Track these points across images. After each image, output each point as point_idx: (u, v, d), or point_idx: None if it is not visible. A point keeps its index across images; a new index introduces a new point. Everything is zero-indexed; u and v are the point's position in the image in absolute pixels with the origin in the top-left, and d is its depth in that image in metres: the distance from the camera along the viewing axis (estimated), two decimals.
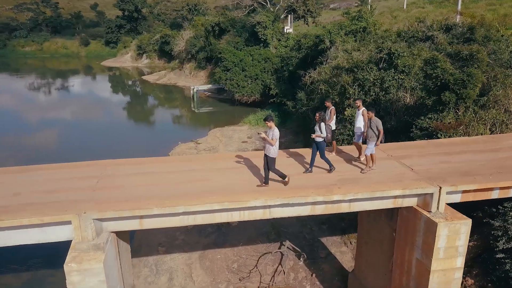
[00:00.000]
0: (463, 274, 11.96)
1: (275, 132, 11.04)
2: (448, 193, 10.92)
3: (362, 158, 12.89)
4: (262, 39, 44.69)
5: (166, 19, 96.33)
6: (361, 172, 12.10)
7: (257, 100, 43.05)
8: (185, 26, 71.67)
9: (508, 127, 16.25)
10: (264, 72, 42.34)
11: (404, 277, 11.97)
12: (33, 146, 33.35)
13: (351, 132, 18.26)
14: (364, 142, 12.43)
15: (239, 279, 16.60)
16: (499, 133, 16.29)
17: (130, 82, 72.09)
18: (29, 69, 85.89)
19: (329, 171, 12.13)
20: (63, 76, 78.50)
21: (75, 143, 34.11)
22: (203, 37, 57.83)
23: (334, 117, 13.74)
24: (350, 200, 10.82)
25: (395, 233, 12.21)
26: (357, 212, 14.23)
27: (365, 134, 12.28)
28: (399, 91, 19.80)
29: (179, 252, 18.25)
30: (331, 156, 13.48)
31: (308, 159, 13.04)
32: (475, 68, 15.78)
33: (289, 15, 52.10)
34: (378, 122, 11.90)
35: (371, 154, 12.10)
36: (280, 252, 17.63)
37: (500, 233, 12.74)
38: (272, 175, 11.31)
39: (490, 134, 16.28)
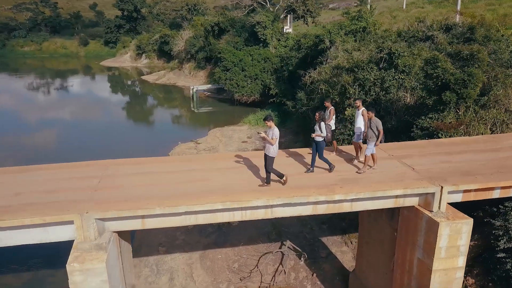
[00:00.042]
0: (464, 273, 11.97)
1: (275, 132, 11.05)
2: (449, 192, 10.94)
3: (362, 159, 12.89)
4: (261, 39, 44.68)
5: (165, 19, 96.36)
6: (357, 172, 12.11)
7: (256, 100, 43.05)
8: (185, 26, 71.62)
9: (508, 127, 16.27)
10: (264, 72, 42.34)
11: (405, 276, 11.98)
12: (32, 146, 33.31)
13: (351, 132, 18.27)
14: (365, 142, 12.45)
15: (240, 279, 16.60)
16: (500, 132, 16.30)
17: (129, 82, 72.05)
18: (28, 69, 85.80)
19: (330, 170, 12.13)
20: (62, 76, 78.41)
21: (74, 143, 34.07)
22: (202, 37, 57.82)
23: (334, 117, 13.76)
24: (352, 200, 10.84)
25: (396, 233, 12.21)
26: (357, 212, 14.28)
27: (365, 134, 12.29)
28: (399, 91, 19.82)
29: (180, 252, 18.24)
30: (332, 156, 13.49)
31: (308, 158, 13.05)
32: (476, 68, 15.81)
33: (289, 15, 52.09)
34: (378, 123, 11.91)
35: (371, 154, 12.12)
36: (281, 251, 17.63)
37: (501, 233, 12.76)
38: (272, 175, 11.31)
39: (491, 133, 16.30)
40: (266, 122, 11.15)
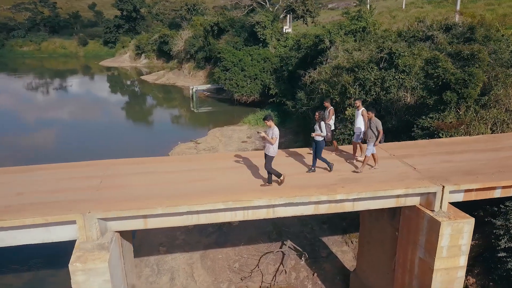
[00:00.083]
0: (465, 273, 11.99)
1: (275, 131, 11.06)
2: (450, 192, 10.96)
3: (361, 158, 12.91)
4: (261, 39, 44.67)
5: (164, 19, 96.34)
6: (353, 171, 12.13)
7: (256, 100, 43.04)
8: (184, 26, 71.55)
9: (509, 127, 16.30)
10: (263, 72, 42.34)
11: (406, 276, 12.00)
12: (32, 146, 33.25)
13: (351, 132, 18.29)
14: (364, 142, 12.46)
15: (241, 279, 16.60)
16: (500, 132, 16.33)
17: (128, 82, 71.97)
18: (27, 69, 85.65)
19: (329, 170, 12.15)
20: (61, 76, 78.30)
21: (73, 143, 34.01)
22: (202, 37, 57.80)
23: (333, 117, 13.78)
24: (354, 199, 10.85)
25: (398, 232, 12.23)
26: (358, 211, 14.31)
27: (365, 134, 12.31)
28: (399, 91, 19.85)
29: (180, 252, 18.23)
30: (332, 155, 13.51)
31: (308, 158, 13.06)
32: (476, 67, 15.84)
33: (288, 15, 52.09)
34: (378, 123, 11.93)
35: (372, 154, 12.14)
36: (282, 251, 17.64)
37: (501, 232, 12.79)
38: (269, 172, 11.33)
39: (491, 133, 16.33)
40: (266, 121, 11.17)
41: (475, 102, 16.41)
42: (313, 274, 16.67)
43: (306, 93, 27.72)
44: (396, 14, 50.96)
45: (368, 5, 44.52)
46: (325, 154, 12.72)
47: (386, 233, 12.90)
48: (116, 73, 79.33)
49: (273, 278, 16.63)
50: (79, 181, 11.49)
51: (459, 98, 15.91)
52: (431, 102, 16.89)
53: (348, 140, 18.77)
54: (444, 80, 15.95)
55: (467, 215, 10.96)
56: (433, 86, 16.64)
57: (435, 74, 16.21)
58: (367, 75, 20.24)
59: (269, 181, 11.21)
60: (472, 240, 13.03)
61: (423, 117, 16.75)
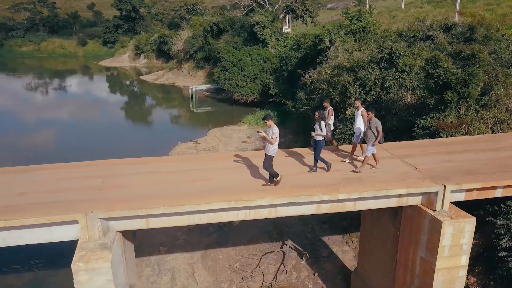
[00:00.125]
0: None
1: (275, 131, 11.06)
2: (452, 191, 10.98)
3: (361, 158, 12.93)
4: (260, 39, 44.65)
5: (164, 19, 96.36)
6: (353, 171, 12.15)
7: (256, 100, 43.05)
8: (183, 26, 71.53)
9: (509, 126, 16.33)
10: (263, 72, 42.35)
11: (408, 275, 12.02)
12: (31, 146, 33.22)
13: (352, 132, 18.30)
14: (364, 142, 12.48)
15: (242, 279, 16.61)
16: (501, 132, 16.36)
17: (128, 82, 71.90)
18: (26, 69, 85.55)
19: (327, 170, 12.15)
20: (61, 76, 78.23)
21: (73, 143, 33.97)
22: (201, 37, 57.80)
23: (332, 117, 13.80)
24: (356, 199, 10.87)
25: (399, 232, 12.25)
26: (359, 211, 14.33)
27: (365, 134, 12.33)
28: (400, 91, 19.87)
29: (181, 252, 18.24)
30: (332, 155, 13.54)
31: (308, 158, 13.06)
32: (477, 67, 15.86)
33: (288, 15, 52.10)
34: (377, 123, 11.94)
35: (372, 154, 12.15)
36: (282, 251, 17.66)
37: (502, 232, 12.82)
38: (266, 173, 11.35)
39: (492, 133, 16.36)
40: (266, 121, 11.17)
41: (476, 102, 16.43)
42: (314, 274, 16.69)
43: (306, 93, 27.73)
44: (396, 14, 51.03)
45: (368, 5, 44.45)
46: (325, 154, 12.73)
47: (388, 233, 12.91)
48: (115, 73, 79.26)
49: (274, 277, 16.65)
50: (81, 181, 11.49)
51: (460, 98, 15.94)
52: (432, 102, 16.91)
53: (349, 140, 18.79)
54: (444, 80, 15.97)
55: (469, 214, 10.99)
56: (434, 86, 16.66)
57: (436, 74, 16.23)
58: (367, 75, 20.26)
59: (270, 180, 11.21)
60: (472, 240, 13.08)
61: (424, 117, 16.78)
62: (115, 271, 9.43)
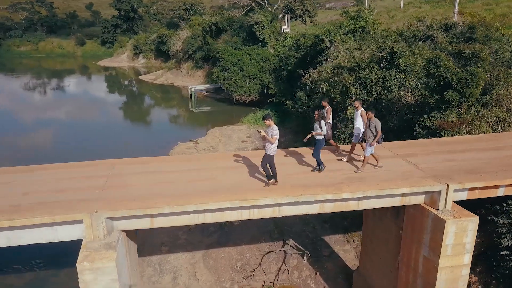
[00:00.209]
0: None
1: (275, 130, 11.07)
2: (455, 190, 11.01)
3: (361, 158, 12.97)
4: (260, 39, 44.68)
5: (162, 19, 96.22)
6: (355, 171, 12.17)
7: (255, 100, 43.10)
8: (182, 26, 71.48)
9: (510, 126, 16.38)
10: (262, 71, 42.38)
11: (411, 274, 12.05)
12: (31, 147, 33.22)
13: (353, 131, 18.34)
14: (365, 141, 12.51)
15: (244, 278, 16.64)
16: (501, 131, 16.40)
17: (126, 82, 71.81)
18: (24, 69, 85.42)
19: (319, 170, 12.15)
20: (59, 76, 78.13)
21: (72, 143, 33.93)
22: (200, 37, 57.81)
23: (331, 116, 13.82)
24: (359, 198, 10.90)
25: (402, 231, 12.28)
26: (360, 210, 14.36)
27: (365, 134, 12.36)
28: (400, 90, 19.92)
29: (182, 252, 18.26)
30: (332, 155, 13.58)
31: (307, 157, 13.07)
32: (478, 67, 15.90)
33: (287, 15, 52.13)
34: (377, 123, 11.97)
35: (371, 154, 12.18)
36: (284, 250, 17.69)
37: (504, 230, 12.87)
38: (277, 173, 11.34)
39: (493, 132, 16.41)
40: (265, 121, 11.18)
41: (477, 101, 16.48)
42: (316, 273, 16.73)
43: (305, 93, 27.77)
44: (394, 14, 51.12)
45: (368, 5, 44.53)
46: (325, 153, 12.78)
47: (390, 232, 12.95)
48: (114, 73, 79.17)
49: (275, 277, 16.68)
50: (84, 180, 11.49)
51: (461, 97, 15.97)
52: (433, 101, 16.95)
53: (349, 139, 18.83)
54: (446, 80, 16.01)
55: (471, 213, 11.02)
56: (435, 85, 16.70)
57: (437, 74, 16.27)
58: (368, 74, 20.30)
59: (274, 179, 11.21)
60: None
61: (425, 116, 16.81)
62: (120, 270, 9.43)
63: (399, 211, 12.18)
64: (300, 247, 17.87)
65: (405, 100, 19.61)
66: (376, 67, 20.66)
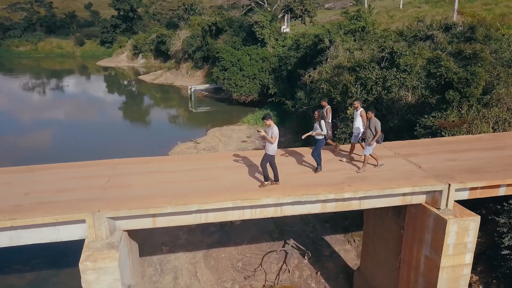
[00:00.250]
0: None
1: (274, 130, 11.08)
2: (456, 190, 11.03)
3: (361, 158, 12.99)
4: (259, 39, 44.68)
5: (162, 19, 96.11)
6: (356, 171, 12.18)
7: (255, 100, 43.11)
8: (181, 26, 71.49)
9: (511, 125, 16.42)
10: (262, 71, 42.40)
11: (412, 274, 12.06)
12: (30, 147, 33.15)
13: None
14: (364, 141, 12.54)
15: (244, 278, 16.64)
16: (502, 131, 16.44)
17: (126, 82, 71.76)
18: (23, 69, 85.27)
19: (315, 170, 12.17)
20: (58, 76, 78.03)
21: (72, 143, 33.86)
22: (200, 37, 57.80)
23: (330, 115, 13.84)
24: (361, 198, 10.91)
25: (403, 230, 12.29)
26: (361, 210, 14.37)
27: (364, 134, 12.38)
28: (401, 90, 19.94)
29: (183, 252, 18.26)
30: (332, 155, 13.60)
31: (307, 157, 13.08)
32: (479, 67, 15.92)
33: (286, 15, 52.15)
34: (377, 123, 12.00)
35: (370, 154, 12.20)
36: (284, 250, 17.70)
37: (505, 230, 12.91)
38: (279, 172, 11.35)
39: (493, 132, 16.44)
40: (265, 121, 11.19)
41: (477, 101, 16.50)
42: (317, 273, 16.74)
43: (305, 93, 27.79)
44: (394, 14, 51.12)
45: (368, 5, 44.54)
46: (324, 153, 12.78)
47: (391, 231, 12.96)
48: (113, 73, 79.10)
49: (276, 276, 16.68)
50: (86, 180, 11.49)
51: (462, 97, 15.99)
52: (433, 101, 16.96)
53: (350, 139, 18.83)
54: (446, 79, 16.03)
55: (473, 212, 11.05)
56: (436, 85, 16.72)
57: (438, 73, 16.29)
58: (368, 74, 20.31)
59: (275, 179, 11.23)
60: None
61: (426, 116, 16.84)
62: (122, 270, 9.44)
63: (401, 211, 12.19)
64: (300, 246, 17.90)
65: (406, 100, 19.64)
66: (377, 67, 20.68)
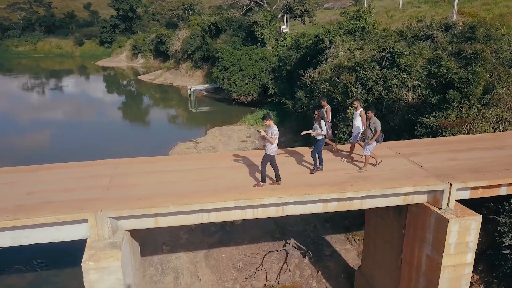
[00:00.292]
0: None
1: (274, 130, 11.09)
2: (458, 189, 11.04)
3: (361, 158, 13.02)
4: (259, 39, 44.69)
5: (161, 19, 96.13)
6: (358, 171, 12.20)
7: (254, 100, 43.11)
8: (181, 26, 71.47)
9: (511, 125, 16.44)
10: (262, 71, 42.40)
11: (413, 273, 12.08)
12: (30, 147, 33.13)
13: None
14: (363, 140, 12.56)
15: (245, 278, 16.65)
16: (502, 131, 16.47)
17: (125, 82, 71.70)
18: (22, 69, 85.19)
19: (312, 170, 12.18)
20: (57, 76, 77.98)
21: (71, 144, 33.83)
22: (199, 37, 57.80)
23: (330, 115, 13.85)
24: (362, 197, 10.92)
25: (404, 230, 12.31)
26: (362, 210, 14.38)
27: (364, 133, 12.40)
28: (401, 90, 19.96)
29: (184, 251, 18.26)
30: (332, 155, 13.62)
31: (308, 157, 13.10)
32: (479, 66, 15.95)
33: (286, 15, 52.18)
34: (377, 123, 12.02)
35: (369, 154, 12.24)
36: (285, 250, 17.71)
37: (506, 229, 12.95)
38: (280, 171, 11.36)
39: (493, 132, 16.47)
40: (265, 121, 11.20)
41: (478, 100, 16.54)
42: (317, 273, 16.75)
43: (305, 93, 27.79)
44: (393, 13, 51.23)
45: (367, 5, 44.59)
46: (324, 153, 12.79)
47: (392, 231, 12.98)
48: (113, 73, 79.05)
49: (277, 276, 16.69)
50: (88, 180, 11.49)
51: (462, 97, 16.03)
52: (434, 101, 16.98)
53: (350, 139, 18.87)
54: (447, 79, 16.06)
55: (474, 212, 11.07)
56: (436, 85, 16.75)
57: (438, 73, 16.32)
58: (369, 74, 20.34)
59: (277, 179, 11.25)
60: None
61: (426, 115, 16.87)
62: (124, 270, 9.44)
63: (402, 210, 12.21)
64: (301, 246, 17.91)
65: (406, 100, 19.66)
66: (377, 66, 20.71)
